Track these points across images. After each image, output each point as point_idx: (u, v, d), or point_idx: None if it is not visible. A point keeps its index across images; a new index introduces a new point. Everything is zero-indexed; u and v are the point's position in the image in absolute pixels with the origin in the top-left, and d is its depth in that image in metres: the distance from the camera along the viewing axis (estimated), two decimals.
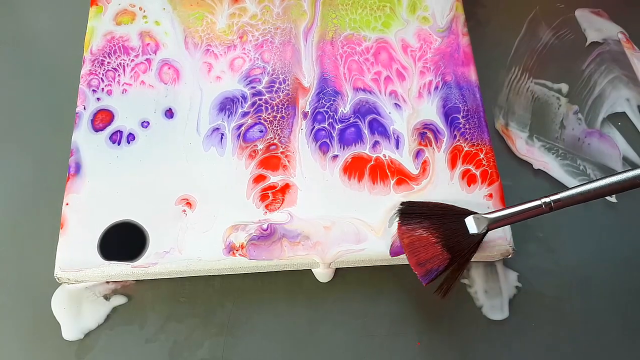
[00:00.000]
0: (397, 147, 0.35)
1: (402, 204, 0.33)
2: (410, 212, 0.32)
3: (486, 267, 0.35)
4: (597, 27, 0.43)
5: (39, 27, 0.43)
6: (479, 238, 0.31)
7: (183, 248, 0.32)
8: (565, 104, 0.40)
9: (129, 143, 0.35)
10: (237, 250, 0.32)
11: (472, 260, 0.32)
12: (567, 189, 0.30)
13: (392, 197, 0.34)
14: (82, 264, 0.32)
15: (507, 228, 0.33)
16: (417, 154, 0.35)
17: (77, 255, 0.32)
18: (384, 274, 0.34)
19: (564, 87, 0.40)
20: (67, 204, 0.33)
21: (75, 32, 0.41)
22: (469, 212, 0.31)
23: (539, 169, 0.37)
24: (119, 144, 0.35)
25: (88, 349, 0.33)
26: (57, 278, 0.32)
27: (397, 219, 0.32)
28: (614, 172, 0.34)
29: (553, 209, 0.30)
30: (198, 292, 0.34)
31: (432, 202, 0.33)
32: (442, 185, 0.34)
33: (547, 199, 0.30)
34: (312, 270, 0.34)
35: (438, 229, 0.31)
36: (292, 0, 0.40)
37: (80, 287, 0.34)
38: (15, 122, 0.39)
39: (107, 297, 0.34)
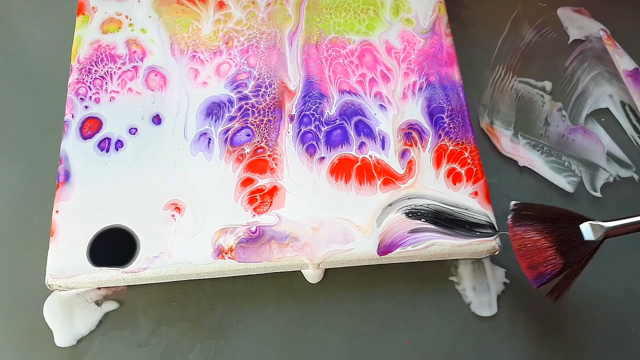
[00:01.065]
0: (383, 148, 0.36)
1: (516, 204, 0.32)
2: (523, 214, 0.32)
3: (474, 264, 0.35)
4: (579, 25, 0.43)
5: (27, 36, 0.43)
6: (596, 245, 0.30)
7: (172, 252, 0.33)
8: (549, 101, 0.40)
9: (117, 150, 0.35)
10: (226, 254, 0.33)
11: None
12: None
13: (379, 197, 0.34)
14: (73, 271, 0.32)
15: (491, 218, 0.33)
16: (403, 154, 0.35)
17: (67, 262, 0.32)
18: (372, 273, 0.35)
19: (548, 85, 0.41)
20: (57, 212, 0.33)
21: (63, 42, 0.41)
22: (585, 218, 0.31)
23: (524, 166, 0.38)
24: (107, 152, 0.35)
25: (80, 355, 0.33)
26: (49, 285, 0.32)
27: (509, 220, 0.32)
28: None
29: None
30: (189, 296, 0.34)
31: (546, 206, 0.32)
32: (428, 184, 0.34)
33: None
34: (302, 271, 0.34)
35: (552, 233, 0.31)
36: (277, 6, 0.40)
37: (72, 294, 0.34)
38: (4, 131, 0.39)
39: (98, 303, 0.34)
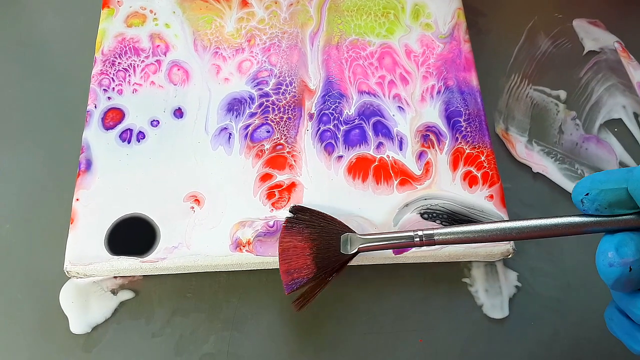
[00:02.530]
0: (401, 149, 0.36)
1: (294, 206, 0.33)
2: (298, 217, 0.32)
3: (487, 267, 0.35)
4: (594, 36, 0.44)
5: (52, 28, 0.44)
6: (347, 257, 0.31)
7: (191, 244, 0.33)
8: (564, 110, 0.41)
9: (138, 141, 0.36)
10: (243, 247, 0.33)
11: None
12: (445, 226, 0.29)
13: (396, 197, 0.34)
14: (92, 258, 0.32)
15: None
16: (420, 155, 0.36)
17: (86, 250, 0.33)
18: (387, 272, 0.35)
19: (562, 94, 0.41)
20: (77, 200, 0.34)
21: (86, 34, 0.41)
22: (349, 230, 0.31)
23: (537, 173, 0.38)
24: (129, 143, 0.36)
25: (95, 343, 0.33)
26: (67, 272, 0.33)
27: (284, 222, 0.32)
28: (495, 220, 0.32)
29: (424, 244, 0.29)
30: (204, 288, 0.35)
31: (321, 213, 0.32)
32: (445, 185, 0.35)
33: (420, 232, 0.29)
34: None
35: (315, 240, 0.31)
36: (299, 6, 0.41)
37: (88, 282, 0.34)
38: (28, 120, 0.40)
39: (114, 292, 0.34)
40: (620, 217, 0.24)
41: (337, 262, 0.30)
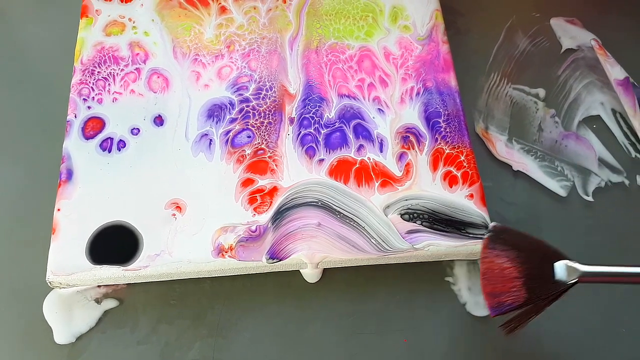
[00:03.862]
0: (381, 151, 0.36)
1: (495, 226, 0.31)
2: (500, 237, 0.30)
3: (469, 265, 0.36)
4: (571, 34, 0.44)
5: (31, 38, 0.44)
6: (566, 287, 0.29)
7: (173, 251, 0.33)
8: (543, 108, 0.41)
9: (119, 150, 0.36)
10: (226, 252, 0.33)
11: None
12: None
13: (377, 199, 0.35)
14: (74, 268, 0.32)
15: (487, 219, 0.34)
16: (400, 156, 0.36)
17: (69, 260, 0.33)
18: (370, 273, 0.35)
19: (541, 92, 0.42)
20: (58, 210, 0.34)
21: (65, 44, 0.41)
22: (561, 256, 0.29)
23: (518, 171, 0.39)
24: (109, 152, 0.36)
25: (80, 352, 0.33)
26: (49, 282, 0.33)
27: (485, 241, 0.31)
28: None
29: None
30: (188, 295, 0.35)
31: (526, 235, 0.31)
32: (425, 186, 0.35)
33: None
34: (301, 271, 0.35)
35: (523, 264, 0.29)
36: (278, 11, 0.41)
37: (72, 292, 0.34)
38: (7, 131, 0.39)
39: (98, 301, 0.34)
40: None
41: (552, 290, 0.29)
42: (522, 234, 0.31)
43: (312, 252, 0.33)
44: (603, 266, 0.29)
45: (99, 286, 0.34)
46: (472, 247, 0.34)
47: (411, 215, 0.34)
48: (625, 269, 0.29)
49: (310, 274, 0.35)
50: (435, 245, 0.34)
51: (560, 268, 0.29)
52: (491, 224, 0.32)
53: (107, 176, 0.35)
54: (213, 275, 0.34)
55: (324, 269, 0.35)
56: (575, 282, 0.29)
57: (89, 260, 0.33)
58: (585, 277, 0.29)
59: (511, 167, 0.39)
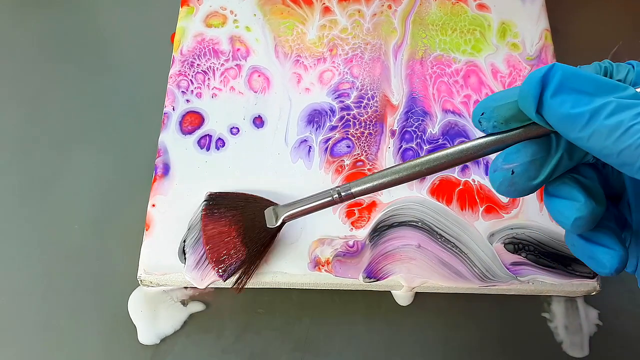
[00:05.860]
0: (487, 174, 0.35)
1: (211, 193, 0.32)
2: (217, 203, 0.31)
3: (567, 302, 0.34)
4: None
5: (127, 25, 0.42)
6: (275, 230, 0.30)
7: (269, 259, 0.32)
8: None
9: (217, 149, 0.35)
10: (322, 266, 0.32)
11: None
12: (361, 180, 0.27)
13: (481, 224, 0.33)
14: (167, 268, 0.31)
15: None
16: None
17: (162, 259, 0.32)
18: (463, 301, 0.34)
19: None
20: (153, 205, 0.33)
21: (160, 31, 0.40)
22: (270, 203, 0.31)
23: None
24: (207, 149, 0.34)
25: (163, 355, 0.32)
26: (140, 280, 0.32)
27: (202, 210, 0.31)
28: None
29: (344, 200, 0.28)
30: (276, 304, 0.34)
31: (239, 193, 0.32)
32: (532, 216, 0.34)
33: (338, 189, 0.28)
34: (392, 292, 0.33)
35: (239, 222, 0.30)
36: (383, 17, 0.40)
37: (158, 291, 0.33)
38: (100, 119, 0.38)
39: (184, 303, 0.33)
40: (515, 132, 0.23)
41: (265, 237, 0.30)
42: (237, 194, 0.32)
43: (411, 275, 0.32)
44: (297, 201, 0.29)
45: (185, 287, 0.33)
46: (577, 285, 0.32)
47: (516, 246, 0.33)
48: (315, 196, 0.29)
49: (403, 297, 0.34)
50: (539, 280, 0.32)
51: (268, 215, 0.30)
52: (206, 193, 0.32)
53: (204, 175, 0.34)
54: (305, 287, 0.33)
55: (416, 293, 0.34)
56: (283, 224, 0.30)
57: (182, 262, 0.32)
58: (287, 215, 0.30)
59: None
